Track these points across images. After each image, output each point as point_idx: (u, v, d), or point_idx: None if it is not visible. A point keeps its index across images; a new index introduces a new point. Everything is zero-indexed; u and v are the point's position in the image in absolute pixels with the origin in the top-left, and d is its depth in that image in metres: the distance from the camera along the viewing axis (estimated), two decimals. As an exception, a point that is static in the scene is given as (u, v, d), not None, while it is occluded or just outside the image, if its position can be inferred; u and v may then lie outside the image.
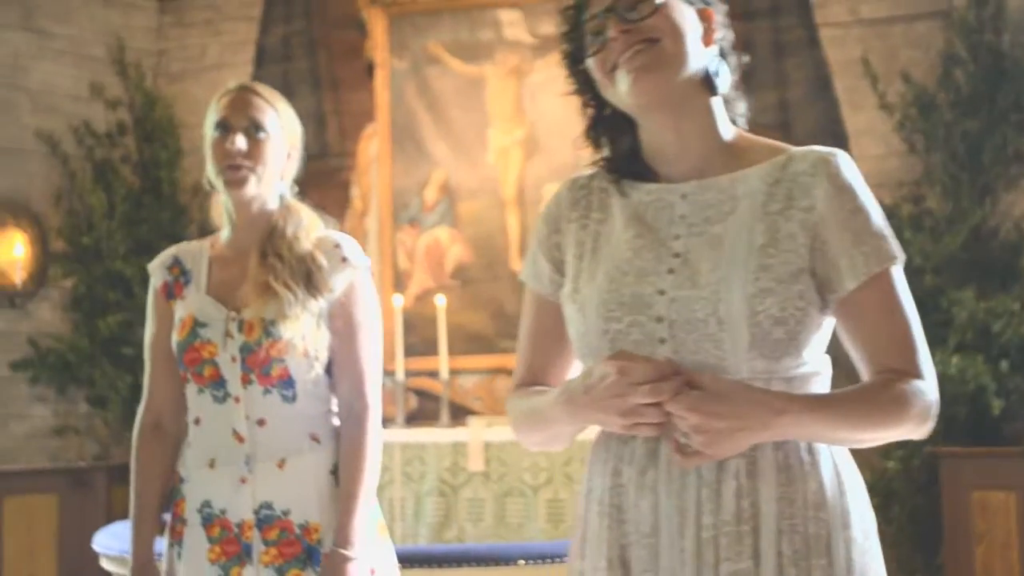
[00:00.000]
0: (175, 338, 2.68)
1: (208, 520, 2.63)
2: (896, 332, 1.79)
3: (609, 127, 1.92)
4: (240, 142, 2.65)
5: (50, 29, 6.79)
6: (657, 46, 1.80)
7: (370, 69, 6.81)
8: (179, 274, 2.76)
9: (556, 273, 1.93)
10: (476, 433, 5.83)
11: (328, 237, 2.71)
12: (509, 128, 6.65)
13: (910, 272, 6.00)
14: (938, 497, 5.51)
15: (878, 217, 1.81)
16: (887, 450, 5.68)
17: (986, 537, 5.19)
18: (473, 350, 6.41)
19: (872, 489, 6.21)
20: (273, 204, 2.72)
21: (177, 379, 2.71)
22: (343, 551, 2.55)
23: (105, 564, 4.35)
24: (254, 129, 2.67)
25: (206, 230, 6.78)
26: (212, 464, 2.63)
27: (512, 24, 6.69)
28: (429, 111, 6.76)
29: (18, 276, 6.54)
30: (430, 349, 6.18)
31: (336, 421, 2.69)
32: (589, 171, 1.97)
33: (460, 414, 6.30)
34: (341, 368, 2.67)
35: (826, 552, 1.73)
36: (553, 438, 1.93)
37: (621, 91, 1.82)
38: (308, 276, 2.61)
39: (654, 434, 1.75)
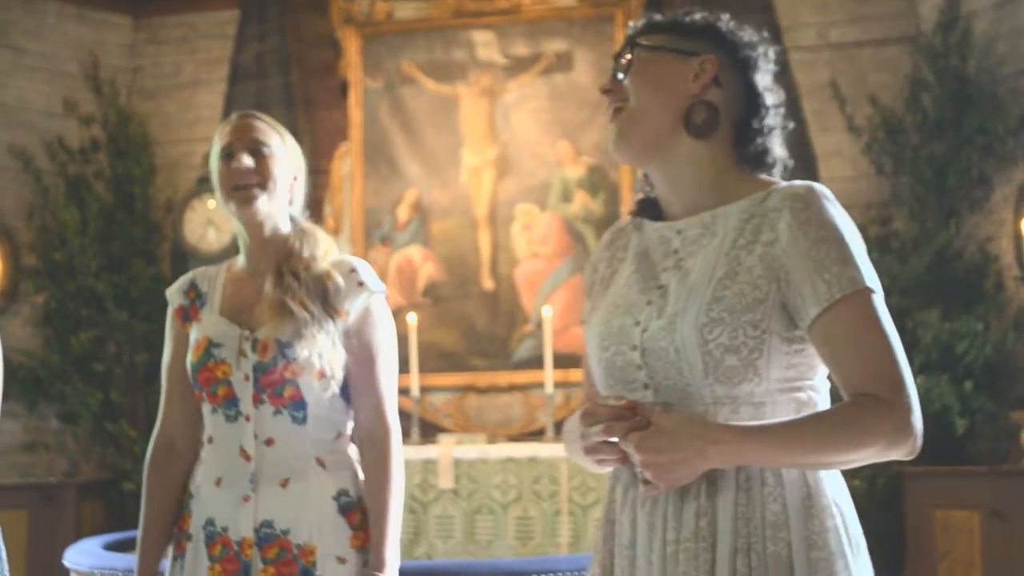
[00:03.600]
0: (190, 359, 2.68)
1: (211, 538, 2.63)
2: (864, 357, 1.81)
3: None
4: (246, 160, 2.67)
5: (24, 45, 6.80)
6: (623, 112, 1.97)
7: (344, 88, 6.85)
8: (195, 297, 2.76)
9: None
10: (446, 450, 5.85)
11: (344, 261, 2.71)
12: (481, 148, 6.70)
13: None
14: (902, 516, 5.56)
15: (847, 247, 1.84)
16: (853, 469, 5.73)
17: (949, 556, 5.24)
18: (444, 368, 6.44)
19: (837, 507, 6.15)
20: (286, 227, 2.73)
21: (191, 401, 2.71)
22: (377, 574, 2.58)
23: (75, 580, 4.35)
24: (257, 148, 2.69)
25: (178, 247, 6.82)
26: (219, 482, 2.64)
27: (485, 45, 6.74)
28: (402, 130, 6.80)
29: (-10, 292, 6.55)
30: (401, 367, 6.17)
31: (345, 447, 2.70)
32: (634, 217, 2.11)
33: (430, 431, 6.33)
34: (359, 392, 2.67)
35: (788, 573, 1.78)
36: (585, 464, 2.03)
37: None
38: (324, 295, 2.62)
39: (617, 466, 1.92)
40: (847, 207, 6.37)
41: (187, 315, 2.76)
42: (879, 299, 1.83)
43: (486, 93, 6.72)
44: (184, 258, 6.83)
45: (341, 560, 2.60)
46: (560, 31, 6.67)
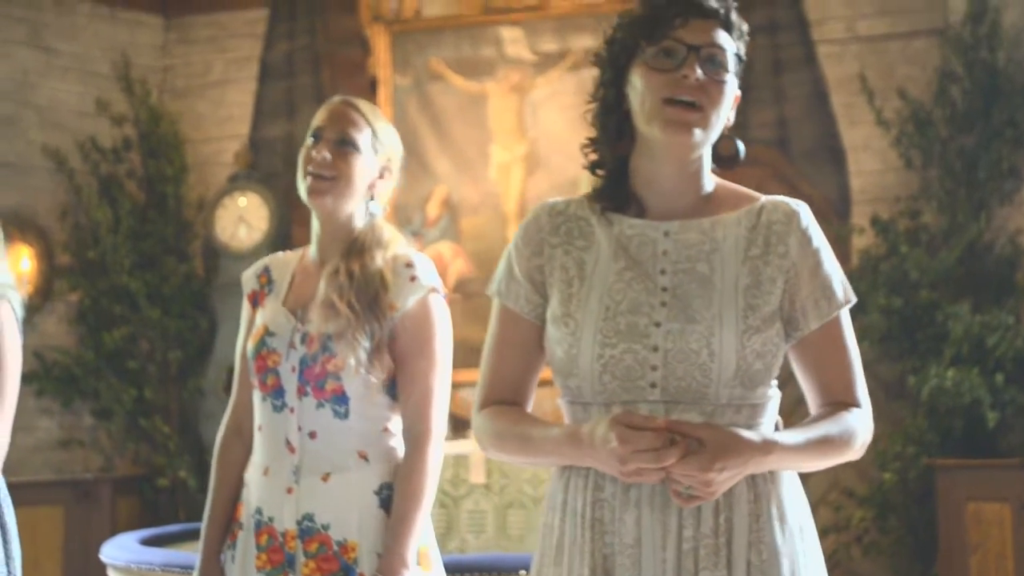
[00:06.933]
0: (249, 345, 2.70)
1: (258, 527, 2.63)
2: (844, 367, 1.99)
3: (616, 125, 2.01)
4: (326, 153, 2.66)
5: (57, 46, 6.86)
6: (703, 112, 1.92)
7: (373, 85, 6.87)
8: (266, 283, 2.78)
9: (535, 294, 2.04)
10: (478, 446, 5.86)
11: (403, 256, 2.68)
12: (510, 144, 6.72)
13: (907, 286, 5.98)
14: (934, 508, 5.56)
15: (837, 264, 2.01)
16: (884, 462, 5.74)
17: (981, 548, 5.23)
18: (474, 363, 6.34)
19: (869, 500, 6.24)
20: (360, 221, 2.71)
21: None
22: None
23: (112, 574, 4.40)
24: (343, 143, 2.67)
25: (210, 245, 6.87)
26: (266, 472, 2.64)
27: (513, 41, 6.76)
28: (431, 127, 6.83)
29: (24, 290, 6.60)
30: (432, 362, 6.21)
31: (390, 441, 2.66)
32: (564, 199, 2.09)
33: (462, 427, 6.34)
34: (404, 388, 2.63)
35: (787, 559, 1.91)
36: (541, 464, 2.10)
37: (656, 128, 1.93)
38: (375, 298, 2.60)
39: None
40: (877, 200, 6.38)
41: (256, 300, 2.77)
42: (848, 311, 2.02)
43: (515, 89, 6.74)
44: (216, 255, 6.88)
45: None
46: (588, 27, 6.67)
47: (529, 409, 2.09)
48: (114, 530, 5.86)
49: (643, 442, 1.79)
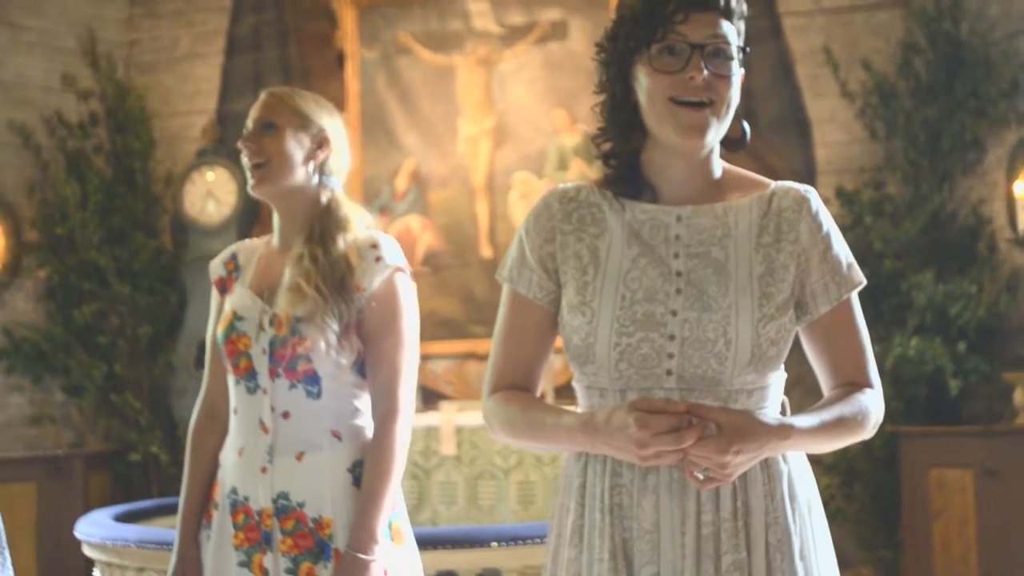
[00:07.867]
0: (218, 331, 2.73)
1: (234, 506, 2.67)
2: (855, 349, 2.03)
3: (627, 119, 2.00)
4: (248, 142, 2.71)
5: (22, 21, 6.82)
6: (712, 108, 1.93)
7: (340, 59, 6.87)
8: (233, 269, 2.81)
9: (549, 281, 2.04)
10: (448, 417, 5.91)
11: (367, 237, 2.69)
12: (478, 117, 6.74)
13: (872, 256, 6.05)
14: (898, 475, 5.64)
15: (845, 247, 2.04)
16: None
17: (944, 514, 5.32)
18: (444, 336, 6.49)
19: (834, 468, 6.31)
20: (317, 199, 2.74)
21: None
22: (358, 554, 2.56)
23: (87, 551, 4.41)
24: (262, 128, 2.71)
25: (178, 219, 6.86)
26: (241, 452, 2.68)
27: (480, 15, 6.77)
28: (399, 101, 6.83)
29: (-8, 267, 6.61)
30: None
31: (361, 420, 2.70)
32: (573, 184, 2.09)
33: (432, 399, 6.40)
34: (372, 367, 2.66)
35: (798, 536, 1.96)
36: (551, 449, 2.10)
37: (670, 132, 1.94)
38: (341, 281, 2.62)
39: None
40: (841, 171, 6.43)
41: (224, 287, 2.80)
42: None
43: (482, 63, 6.76)
44: (184, 230, 6.88)
45: None
46: (554, 0, 6.70)
47: (538, 393, 2.11)
48: (87, 506, 5.87)
49: (663, 425, 1.81)
